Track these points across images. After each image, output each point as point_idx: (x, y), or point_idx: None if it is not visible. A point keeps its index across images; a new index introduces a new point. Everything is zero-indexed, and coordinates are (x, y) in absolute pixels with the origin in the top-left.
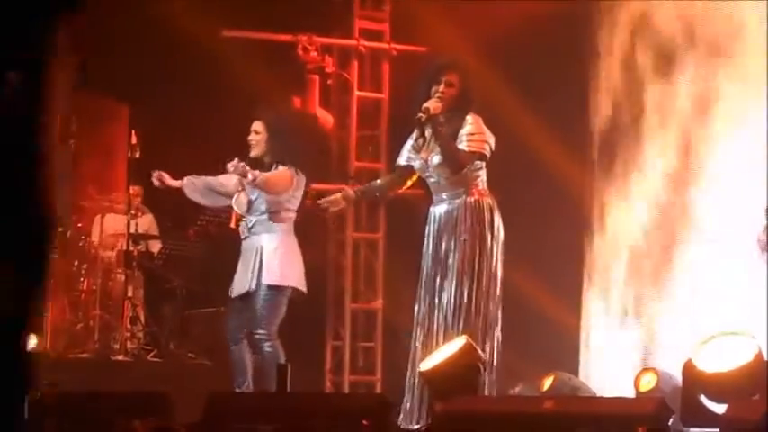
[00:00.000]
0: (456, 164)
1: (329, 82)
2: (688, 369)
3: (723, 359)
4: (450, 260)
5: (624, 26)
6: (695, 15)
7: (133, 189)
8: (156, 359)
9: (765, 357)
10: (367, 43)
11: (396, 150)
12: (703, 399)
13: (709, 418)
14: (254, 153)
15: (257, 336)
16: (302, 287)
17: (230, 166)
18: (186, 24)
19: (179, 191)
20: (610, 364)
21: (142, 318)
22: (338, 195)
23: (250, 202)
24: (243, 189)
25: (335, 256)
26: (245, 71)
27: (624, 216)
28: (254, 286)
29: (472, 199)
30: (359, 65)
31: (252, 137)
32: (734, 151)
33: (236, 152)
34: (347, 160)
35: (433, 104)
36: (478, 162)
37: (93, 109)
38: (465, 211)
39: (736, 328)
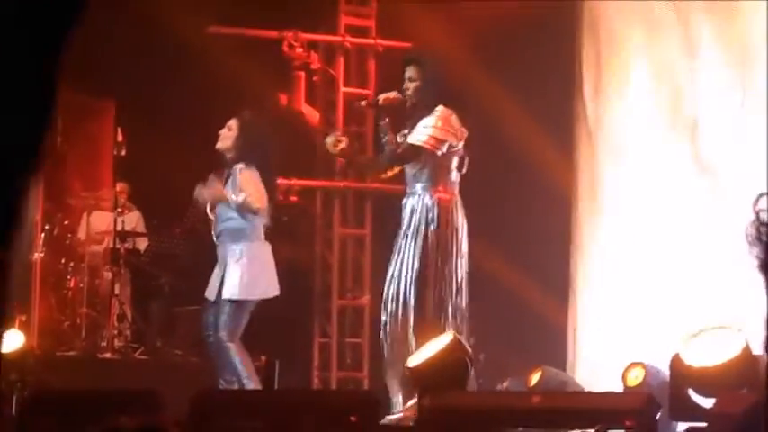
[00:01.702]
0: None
1: (315, 78)
2: (676, 363)
3: (711, 353)
4: (400, 255)
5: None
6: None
7: (119, 186)
8: (143, 357)
9: (753, 351)
10: (353, 39)
11: (382, 147)
12: (691, 393)
13: (697, 412)
14: (219, 145)
15: (219, 336)
16: (271, 294)
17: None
18: (172, 21)
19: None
20: (597, 359)
21: (129, 315)
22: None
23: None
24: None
25: (322, 252)
26: (230, 68)
27: (612, 210)
28: (214, 297)
29: (428, 195)
30: (345, 61)
31: (223, 131)
32: (726, 143)
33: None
34: (333, 156)
35: (383, 96)
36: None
37: (79, 106)
38: (419, 207)
39: (724, 323)
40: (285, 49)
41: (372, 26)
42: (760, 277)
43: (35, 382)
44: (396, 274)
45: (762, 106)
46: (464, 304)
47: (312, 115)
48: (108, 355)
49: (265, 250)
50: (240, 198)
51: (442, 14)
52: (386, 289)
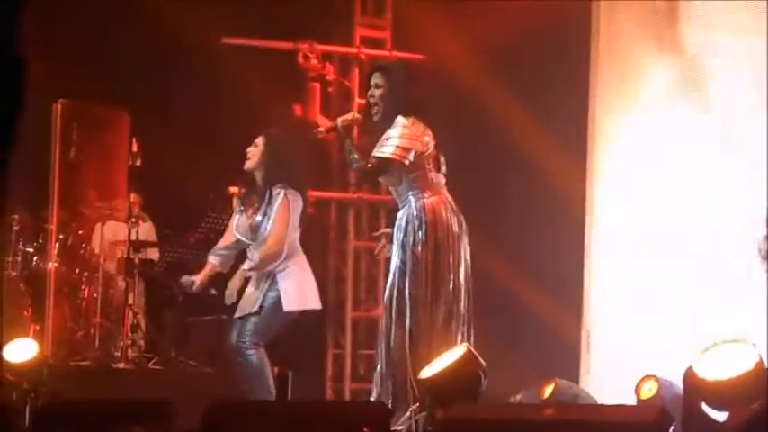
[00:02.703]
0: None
1: (330, 89)
2: (689, 377)
3: (724, 367)
4: (394, 262)
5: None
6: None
7: (134, 197)
8: (156, 367)
9: (766, 365)
10: (368, 51)
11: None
12: (704, 406)
13: (710, 426)
14: (247, 165)
15: (240, 343)
16: (317, 306)
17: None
18: (187, 32)
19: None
20: (611, 372)
21: (143, 325)
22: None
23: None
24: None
25: (336, 264)
26: (245, 79)
27: (626, 223)
28: (257, 308)
29: (415, 202)
30: (360, 72)
31: (250, 149)
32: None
33: (235, 159)
34: (348, 168)
35: (341, 119)
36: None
37: (94, 117)
38: (408, 215)
39: (737, 336)
40: (300, 60)
41: (388, 38)
42: None
43: (48, 392)
44: (393, 281)
45: None
46: (462, 307)
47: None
48: (122, 365)
49: (306, 262)
50: (256, 260)
51: (457, 27)
52: (385, 298)
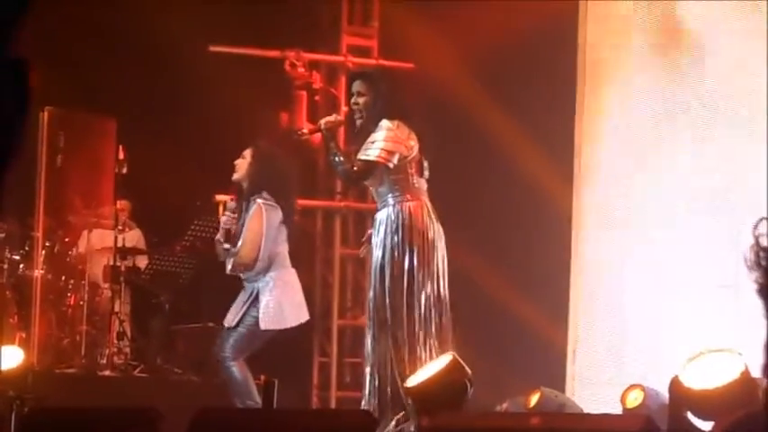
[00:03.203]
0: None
1: (317, 98)
2: (675, 386)
3: (710, 376)
4: (374, 267)
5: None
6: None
7: (120, 204)
8: (142, 374)
9: (752, 375)
10: (355, 59)
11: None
12: (690, 416)
13: None
14: (235, 177)
15: (222, 356)
16: (303, 320)
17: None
18: (174, 40)
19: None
20: (596, 381)
21: (129, 333)
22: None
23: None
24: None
25: (322, 272)
26: (232, 87)
27: (612, 231)
28: (234, 323)
29: (395, 206)
30: (346, 81)
31: (238, 161)
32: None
33: (222, 166)
34: (334, 176)
35: (324, 120)
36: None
37: (80, 124)
38: (386, 218)
39: (723, 346)
40: (287, 68)
41: (375, 46)
42: (759, 301)
43: (34, 400)
44: (373, 288)
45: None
46: (438, 313)
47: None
48: (107, 372)
49: (294, 277)
50: (230, 263)
51: (443, 35)
52: (367, 302)
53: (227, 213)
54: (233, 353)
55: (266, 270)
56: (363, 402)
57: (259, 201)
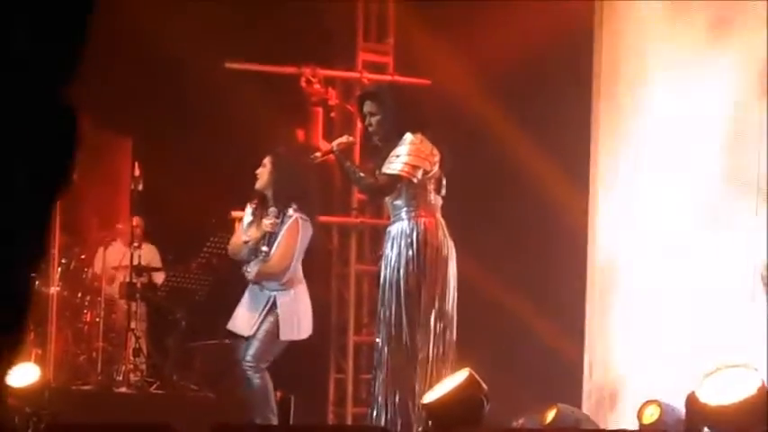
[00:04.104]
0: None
1: (332, 114)
2: (691, 402)
3: (726, 392)
4: (384, 282)
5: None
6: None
7: (136, 221)
8: (158, 391)
9: None
10: (370, 75)
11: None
12: (706, 431)
13: None
14: (258, 185)
15: (245, 367)
16: (310, 333)
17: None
18: (190, 57)
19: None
20: (613, 397)
21: (145, 350)
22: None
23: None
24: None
25: (338, 288)
26: (248, 103)
27: (628, 248)
28: (253, 332)
29: (409, 220)
30: (357, 104)
31: (259, 170)
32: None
33: (237, 183)
34: (350, 192)
35: (336, 142)
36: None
37: (96, 141)
38: (399, 233)
39: (740, 362)
40: (303, 84)
41: (390, 63)
42: None
43: (51, 417)
44: (384, 301)
45: None
46: (451, 329)
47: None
48: (124, 389)
49: (306, 290)
50: (255, 270)
51: (459, 51)
52: (378, 318)
53: (272, 218)
54: (255, 362)
55: (287, 281)
56: (373, 418)
57: (296, 215)
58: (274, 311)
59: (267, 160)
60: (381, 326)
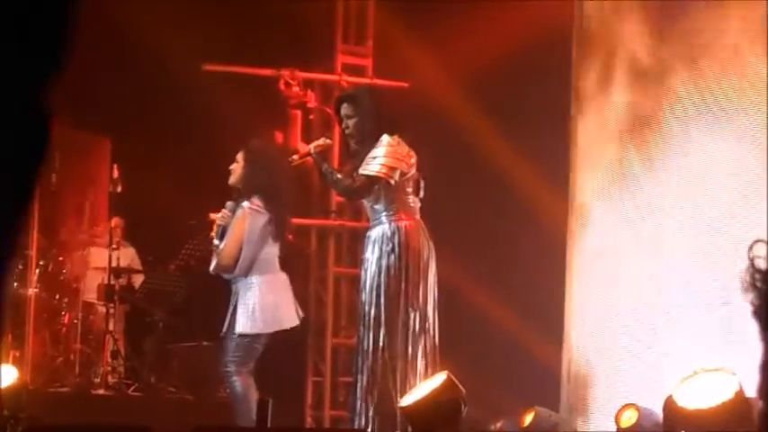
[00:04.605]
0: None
1: (311, 117)
2: (669, 405)
3: (704, 396)
4: (364, 286)
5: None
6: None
7: (115, 222)
8: (136, 393)
9: (746, 394)
10: (349, 78)
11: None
12: None
13: None
14: (231, 181)
15: (225, 371)
16: (287, 325)
17: None
18: (168, 59)
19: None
20: (590, 400)
21: (123, 352)
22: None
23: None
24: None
25: (316, 290)
26: (226, 105)
27: (607, 250)
28: (225, 330)
29: (389, 224)
30: (334, 107)
31: (233, 165)
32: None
33: (216, 186)
34: (329, 195)
35: (314, 144)
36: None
37: (75, 143)
38: (379, 236)
39: (718, 366)
40: (282, 87)
41: (369, 65)
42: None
43: (28, 419)
44: (368, 304)
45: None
46: (430, 332)
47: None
48: (101, 391)
49: (281, 281)
50: (213, 263)
51: (438, 54)
52: (359, 321)
53: (223, 210)
54: (234, 365)
55: (249, 274)
56: (355, 422)
57: (245, 205)
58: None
59: (240, 155)
60: (362, 330)
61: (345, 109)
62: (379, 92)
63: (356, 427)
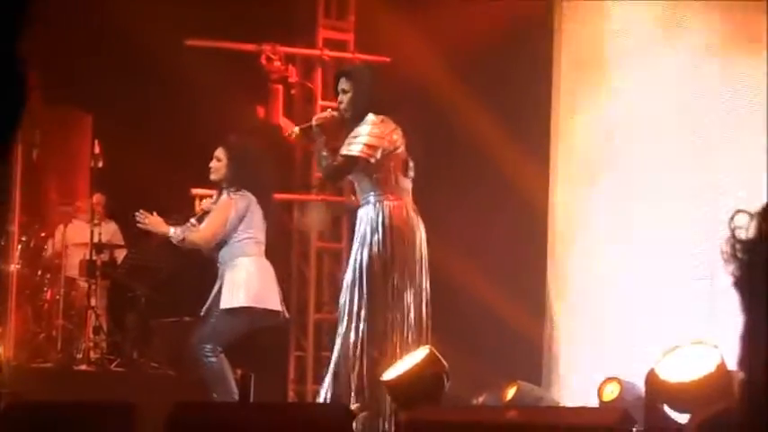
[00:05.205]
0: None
1: (293, 92)
2: (651, 379)
3: (686, 369)
4: (352, 264)
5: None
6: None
7: (96, 198)
8: (119, 369)
9: (728, 367)
10: (331, 53)
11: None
12: (666, 408)
13: (673, 428)
14: (213, 177)
15: (200, 348)
16: (270, 306)
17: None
18: (149, 34)
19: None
20: (573, 374)
21: (105, 327)
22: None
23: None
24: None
25: (299, 266)
26: (208, 80)
27: (588, 225)
28: (206, 309)
29: (377, 203)
30: (323, 74)
31: (213, 163)
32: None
33: (198, 160)
34: (311, 170)
35: (316, 117)
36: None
37: (56, 119)
38: (367, 216)
39: (700, 338)
40: (263, 62)
41: (351, 40)
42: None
43: (10, 394)
44: (348, 283)
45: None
46: (418, 312)
47: (290, 129)
48: (84, 367)
49: (266, 266)
50: (182, 235)
51: (419, 29)
52: (340, 300)
53: (210, 200)
54: (211, 344)
55: (234, 257)
56: (322, 393)
57: (229, 192)
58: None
59: (221, 153)
60: (343, 307)
61: (343, 83)
62: (379, 73)
63: (323, 398)
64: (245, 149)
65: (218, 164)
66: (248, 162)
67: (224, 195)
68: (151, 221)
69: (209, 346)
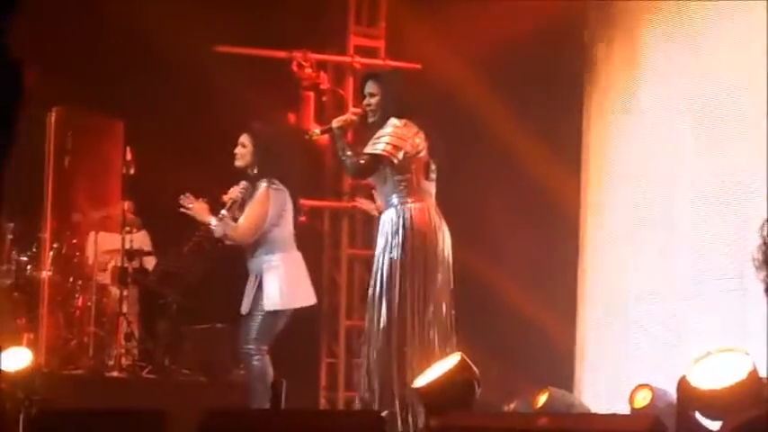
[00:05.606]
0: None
1: (324, 98)
2: (682, 386)
3: (718, 376)
4: (375, 267)
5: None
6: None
7: (127, 205)
8: (150, 375)
9: (760, 374)
10: (362, 60)
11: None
12: (698, 415)
13: None
14: (238, 163)
15: (245, 350)
16: (309, 302)
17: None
18: (181, 41)
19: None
20: (604, 381)
21: (137, 334)
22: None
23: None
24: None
25: (330, 272)
26: (239, 87)
27: (619, 231)
28: (247, 309)
29: (398, 206)
30: (354, 81)
31: (238, 149)
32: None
33: (229, 167)
34: (342, 177)
35: (337, 120)
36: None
37: (88, 126)
38: (389, 219)
39: (731, 345)
40: (294, 68)
41: (381, 47)
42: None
43: (42, 401)
44: (372, 286)
45: None
46: (443, 314)
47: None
48: (115, 373)
49: (299, 259)
50: (222, 230)
51: (450, 35)
52: (368, 304)
53: (236, 187)
54: (256, 343)
55: (270, 252)
56: (357, 401)
57: (266, 183)
58: (261, 287)
59: (246, 139)
60: (369, 312)
61: (370, 86)
62: (406, 78)
63: (358, 406)
64: (270, 136)
65: (244, 150)
66: (273, 149)
67: (261, 188)
68: (196, 207)
69: (254, 347)
